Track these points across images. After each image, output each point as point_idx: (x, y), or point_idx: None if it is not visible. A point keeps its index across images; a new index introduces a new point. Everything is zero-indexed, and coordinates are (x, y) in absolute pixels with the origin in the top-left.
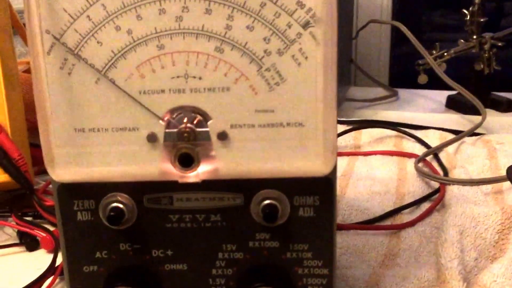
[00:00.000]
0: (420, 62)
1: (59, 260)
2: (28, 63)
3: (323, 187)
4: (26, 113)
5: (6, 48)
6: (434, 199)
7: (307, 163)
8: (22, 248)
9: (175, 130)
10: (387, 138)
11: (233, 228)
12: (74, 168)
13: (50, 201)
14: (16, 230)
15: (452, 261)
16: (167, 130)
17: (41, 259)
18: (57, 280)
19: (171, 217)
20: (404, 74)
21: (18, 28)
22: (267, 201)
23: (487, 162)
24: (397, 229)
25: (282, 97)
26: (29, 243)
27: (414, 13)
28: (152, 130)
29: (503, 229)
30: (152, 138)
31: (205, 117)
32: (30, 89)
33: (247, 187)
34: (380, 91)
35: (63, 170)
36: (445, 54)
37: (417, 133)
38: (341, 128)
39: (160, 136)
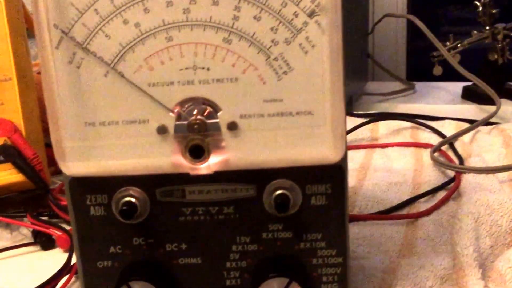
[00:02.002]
0: (434, 53)
1: (75, 259)
2: None
3: (334, 175)
4: (41, 114)
5: (20, 50)
6: (450, 187)
7: (317, 151)
8: (37, 247)
9: (186, 122)
10: (403, 130)
11: (246, 219)
12: (84, 161)
13: (66, 201)
14: (31, 230)
15: (468, 248)
16: (177, 122)
17: (56, 258)
18: (73, 279)
19: (184, 210)
20: (421, 67)
21: (33, 29)
22: (279, 191)
23: (503, 150)
24: (413, 218)
25: (290, 86)
26: (44, 242)
27: (429, 6)
28: (162, 122)
29: None
30: (162, 130)
31: (215, 108)
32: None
33: (259, 177)
34: (398, 85)
35: (74, 164)
36: (459, 45)
37: (433, 124)
38: (359, 121)
39: (171, 128)
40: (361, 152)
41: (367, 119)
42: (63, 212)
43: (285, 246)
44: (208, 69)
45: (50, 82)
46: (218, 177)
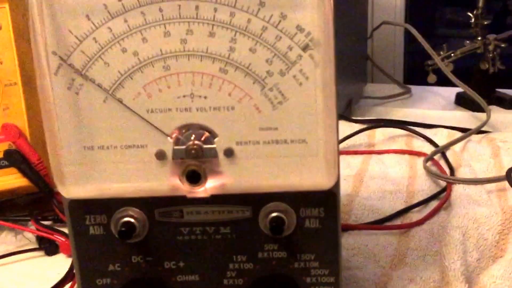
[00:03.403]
0: (429, 62)
1: None
2: None
3: (327, 200)
4: None
5: (25, 54)
6: (442, 197)
7: (310, 178)
8: (41, 253)
9: (183, 147)
10: (399, 137)
11: (243, 239)
12: (83, 185)
13: None
14: (35, 235)
15: (455, 262)
16: (175, 147)
17: (60, 263)
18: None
19: (182, 230)
20: (418, 70)
21: None
22: (274, 214)
23: (492, 160)
24: (406, 228)
25: (285, 115)
26: (48, 247)
27: (427, 10)
28: (160, 148)
29: (503, 230)
30: (160, 155)
31: (212, 134)
32: None
33: (254, 200)
34: (395, 88)
35: (73, 187)
36: (452, 55)
37: (427, 131)
38: (356, 127)
39: (169, 153)
40: (359, 157)
41: (365, 126)
42: None
43: (280, 265)
44: (205, 97)
45: (49, 107)
46: (214, 199)
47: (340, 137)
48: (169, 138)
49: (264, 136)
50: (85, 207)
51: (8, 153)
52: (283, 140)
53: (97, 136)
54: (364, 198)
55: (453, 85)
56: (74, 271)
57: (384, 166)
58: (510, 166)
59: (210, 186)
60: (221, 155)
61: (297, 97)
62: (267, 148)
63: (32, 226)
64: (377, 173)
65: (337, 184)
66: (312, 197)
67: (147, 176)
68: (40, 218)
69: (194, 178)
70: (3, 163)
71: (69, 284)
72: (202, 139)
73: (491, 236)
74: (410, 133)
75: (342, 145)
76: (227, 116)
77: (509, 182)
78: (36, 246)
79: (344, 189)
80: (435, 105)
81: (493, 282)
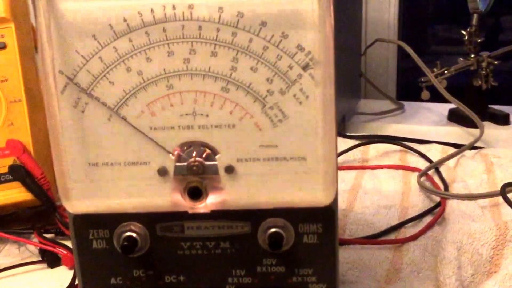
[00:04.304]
0: (422, 79)
1: None
2: None
3: (325, 216)
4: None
5: (29, 72)
6: (436, 212)
7: (309, 194)
8: (44, 265)
9: (185, 164)
10: (392, 153)
11: (242, 254)
12: (88, 200)
13: None
14: (38, 248)
15: (451, 277)
16: (177, 164)
17: (62, 276)
18: None
19: (182, 245)
20: (411, 87)
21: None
22: (273, 230)
23: (485, 176)
24: (400, 243)
25: (285, 133)
26: (51, 260)
27: (419, 27)
28: (162, 164)
29: (498, 245)
30: (162, 172)
31: (213, 151)
32: None
33: (254, 216)
34: (388, 104)
35: (78, 203)
36: (446, 72)
37: (421, 147)
38: (351, 143)
39: (171, 170)
40: (353, 173)
41: (358, 142)
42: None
43: (278, 280)
44: (207, 115)
45: (55, 124)
46: (215, 214)
47: None
48: (171, 155)
49: (264, 153)
50: (89, 222)
51: (12, 168)
52: (282, 157)
53: (101, 153)
54: (358, 213)
55: (446, 101)
56: (76, 283)
57: (378, 181)
58: (503, 182)
59: (210, 202)
60: (222, 172)
61: (297, 116)
62: (267, 165)
63: (34, 239)
64: (371, 188)
65: (335, 201)
66: (311, 213)
67: (149, 193)
68: (43, 231)
69: (196, 194)
70: (7, 177)
71: None
72: (204, 156)
73: (486, 252)
74: (404, 149)
75: None
76: (228, 133)
77: (503, 198)
78: (39, 258)
79: (339, 204)
80: (428, 121)
81: None
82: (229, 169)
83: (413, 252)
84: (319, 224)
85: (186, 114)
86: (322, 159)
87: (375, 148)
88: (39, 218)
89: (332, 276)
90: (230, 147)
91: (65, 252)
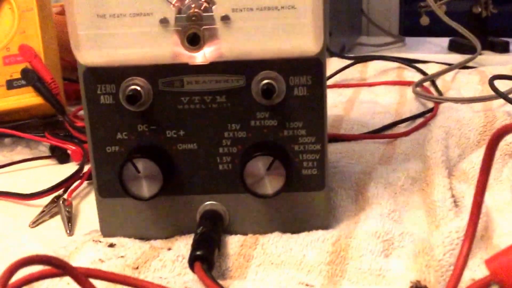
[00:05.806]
0: (422, 4)
1: (86, 168)
2: (61, 5)
3: (314, 67)
4: (61, 52)
5: None
6: (428, 116)
7: (299, 42)
8: (54, 161)
9: (185, 15)
10: (390, 70)
11: (237, 108)
12: (96, 50)
13: (80, 123)
14: (49, 146)
15: (437, 152)
16: (177, 15)
17: (71, 171)
18: (85, 184)
19: (182, 99)
20: (414, 24)
21: None
22: (265, 81)
23: (479, 87)
24: (393, 138)
25: None
26: (60, 156)
27: None
28: (164, 15)
29: (485, 131)
30: (164, 22)
31: (211, 3)
32: (64, 30)
33: (248, 69)
34: (389, 39)
35: (87, 52)
36: None
37: (419, 66)
38: (348, 62)
39: (171, 20)
40: (350, 90)
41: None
42: (78, 132)
43: (270, 133)
44: None
45: None
46: (212, 68)
47: (332, 71)
48: (171, 6)
49: (257, 2)
50: (97, 77)
51: (25, 72)
52: (274, 6)
53: (108, 5)
54: (355, 117)
55: (446, 35)
56: (81, 173)
57: (374, 95)
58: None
59: (208, 51)
60: (218, 21)
61: None
62: (260, 14)
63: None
64: (368, 100)
65: (323, 52)
66: (301, 65)
67: (152, 43)
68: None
69: (194, 41)
70: (20, 82)
71: (77, 182)
72: (202, 8)
73: (473, 136)
74: (402, 65)
75: (333, 79)
76: None
77: (491, 86)
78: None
79: (335, 112)
80: (429, 51)
81: (472, 167)
82: (225, 18)
83: (405, 145)
84: (309, 76)
85: None
86: (311, 7)
87: (372, 68)
88: (50, 126)
89: (321, 129)
90: None
91: (74, 148)
